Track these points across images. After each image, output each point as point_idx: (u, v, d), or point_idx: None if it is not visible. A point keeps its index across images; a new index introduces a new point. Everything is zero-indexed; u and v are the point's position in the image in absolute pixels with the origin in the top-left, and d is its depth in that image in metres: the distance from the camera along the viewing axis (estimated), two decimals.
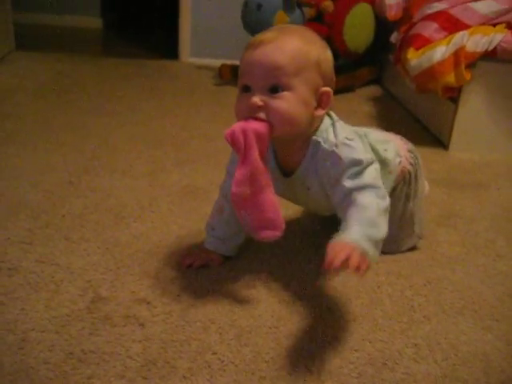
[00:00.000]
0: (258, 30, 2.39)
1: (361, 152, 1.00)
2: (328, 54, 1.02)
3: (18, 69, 2.70)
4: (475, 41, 1.80)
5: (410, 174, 1.20)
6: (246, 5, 2.44)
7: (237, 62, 2.68)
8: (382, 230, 0.93)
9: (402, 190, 1.21)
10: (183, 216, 1.36)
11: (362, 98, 2.62)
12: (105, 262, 1.14)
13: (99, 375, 0.86)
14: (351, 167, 0.99)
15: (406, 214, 1.23)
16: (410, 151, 1.23)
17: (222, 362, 0.90)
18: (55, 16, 4.00)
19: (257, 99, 0.95)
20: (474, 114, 1.93)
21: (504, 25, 1.86)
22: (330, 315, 1.03)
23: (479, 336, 1.01)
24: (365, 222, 0.92)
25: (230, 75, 2.64)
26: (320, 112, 1.00)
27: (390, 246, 1.15)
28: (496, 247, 1.34)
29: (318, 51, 0.99)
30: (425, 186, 1.33)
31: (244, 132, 0.94)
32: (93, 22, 4.09)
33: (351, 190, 0.97)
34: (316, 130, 1.03)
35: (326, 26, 2.49)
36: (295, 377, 0.88)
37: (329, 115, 1.06)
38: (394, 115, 2.39)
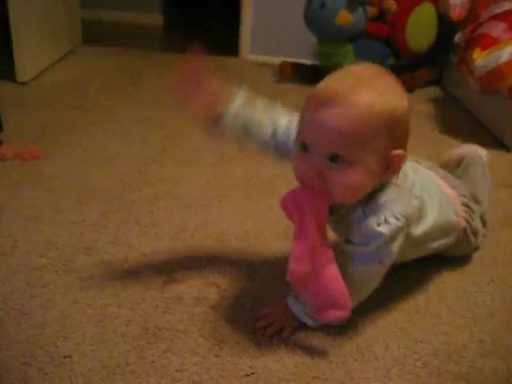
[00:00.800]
0: (320, 29, 2.43)
1: (391, 240, 0.90)
2: (404, 110, 0.85)
3: (84, 62, 2.80)
4: None
5: (465, 230, 1.14)
6: (309, 2, 2.46)
7: (298, 60, 2.72)
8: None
9: (459, 247, 1.17)
10: (249, 206, 1.39)
11: (421, 99, 2.60)
12: (175, 246, 1.19)
13: (173, 350, 0.90)
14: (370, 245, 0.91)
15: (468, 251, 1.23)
16: (464, 204, 1.14)
17: (293, 345, 0.94)
18: (119, 13, 4.11)
19: (312, 170, 0.84)
20: None
21: None
22: (394, 307, 1.05)
23: None
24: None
25: (290, 72, 2.67)
26: (389, 176, 0.89)
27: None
28: None
29: (393, 109, 0.83)
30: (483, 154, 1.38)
31: (299, 207, 0.87)
32: (154, 18, 4.18)
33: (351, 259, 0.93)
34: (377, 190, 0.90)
35: (388, 25, 2.49)
36: (362, 363, 0.91)
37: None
38: (454, 116, 2.37)
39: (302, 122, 0.87)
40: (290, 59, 2.76)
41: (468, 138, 2.05)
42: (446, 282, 1.14)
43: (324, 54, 2.50)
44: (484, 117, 2.25)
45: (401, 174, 0.92)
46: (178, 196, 1.42)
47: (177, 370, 0.87)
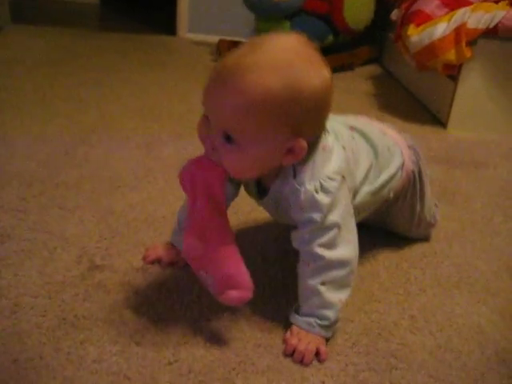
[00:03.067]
0: (258, 6, 2.37)
1: (325, 209, 0.84)
2: (313, 91, 0.76)
3: (13, 42, 2.66)
4: (477, 18, 1.78)
5: (413, 174, 1.07)
6: None
7: (235, 38, 2.67)
8: (336, 308, 0.88)
9: (407, 192, 1.09)
10: (179, 188, 1.34)
11: (361, 77, 2.60)
12: (99, 230, 1.13)
13: (92, 340, 0.85)
14: (309, 224, 0.85)
15: (414, 217, 1.14)
16: (410, 147, 1.08)
17: (219, 330, 0.90)
18: None
19: (209, 143, 0.80)
20: (473, 93, 1.92)
21: (506, 1, 1.83)
22: None
23: (474, 309, 1.01)
24: (319, 305, 0.87)
25: (227, 51, 2.61)
26: (290, 161, 0.82)
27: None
28: (493, 224, 1.33)
29: (297, 91, 0.75)
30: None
31: (193, 183, 0.83)
32: None
33: (302, 243, 0.87)
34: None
35: (326, 2, 2.46)
36: (282, 349, 0.88)
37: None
38: (393, 94, 2.37)
39: (203, 94, 0.79)
40: (228, 37, 2.71)
41: (406, 114, 2.07)
42: (379, 259, 1.13)
43: (262, 31, 2.44)
44: (421, 94, 2.26)
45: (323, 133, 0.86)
46: (105, 178, 1.36)
47: (94, 361, 0.81)
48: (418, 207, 1.12)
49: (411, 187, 1.09)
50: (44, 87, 2.02)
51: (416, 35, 1.88)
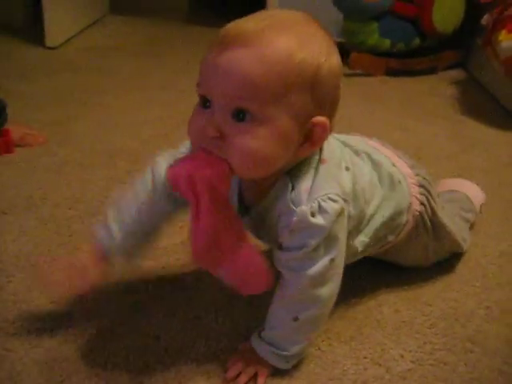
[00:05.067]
0: (346, 6, 2.43)
1: (319, 238, 0.73)
2: (332, 70, 0.69)
3: (112, 31, 2.84)
4: None
5: (421, 216, 0.94)
6: None
7: None
8: (301, 345, 0.81)
9: (416, 237, 0.96)
10: None
11: (445, 81, 2.59)
12: None
13: None
14: (299, 249, 0.74)
15: (427, 256, 1.03)
16: (420, 185, 0.94)
17: None
18: None
19: (212, 130, 0.66)
20: None
21: None
22: (404, 275, 1.07)
23: None
24: (284, 337, 0.81)
25: None
26: (307, 150, 0.71)
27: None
28: None
29: (319, 64, 0.67)
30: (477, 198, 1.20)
31: (192, 181, 0.67)
32: None
33: (287, 268, 0.77)
34: (295, 166, 0.74)
35: (414, 5, 2.49)
36: (371, 320, 0.95)
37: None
38: (477, 99, 2.37)
39: (202, 70, 0.69)
40: None
41: (490, 120, 2.07)
42: (458, 255, 1.16)
43: (349, 31, 2.51)
44: (507, 100, 2.25)
45: (325, 145, 0.76)
46: None
47: None
48: (432, 246, 1.01)
49: (421, 229, 0.96)
50: (142, 75, 2.16)
51: (508, 41, 1.88)
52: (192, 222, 0.70)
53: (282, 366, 0.82)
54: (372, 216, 0.86)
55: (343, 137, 0.88)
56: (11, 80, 1.93)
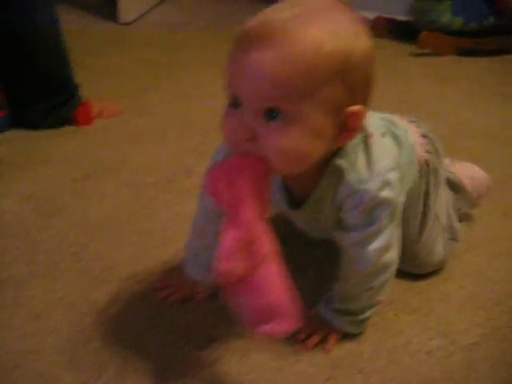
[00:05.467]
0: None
1: (392, 211, 0.76)
2: (364, 54, 0.66)
3: (181, 7, 2.89)
4: None
5: (427, 164, 0.90)
6: None
7: (392, 15, 2.69)
8: (372, 310, 0.84)
9: (418, 186, 0.90)
10: None
11: None
12: None
13: None
14: (369, 227, 0.75)
15: (427, 216, 0.93)
16: (423, 136, 0.92)
17: None
18: None
19: (244, 132, 0.64)
20: None
21: None
22: (471, 251, 1.07)
23: None
24: (358, 306, 0.83)
25: (383, 27, 2.65)
26: (344, 139, 0.69)
27: (414, 261, 0.96)
28: None
29: (349, 51, 0.63)
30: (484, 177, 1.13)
31: (231, 185, 0.64)
32: None
33: (358, 246, 0.77)
34: (339, 148, 0.73)
35: None
36: (439, 293, 0.97)
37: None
38: None
39: (229, 70, 0.66)
40: (384, 14, 2.74)
41: None
42: None
43: (420, 9, 2.47)
44: None
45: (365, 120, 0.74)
46: None
47: None
48: (432, 204, 0.93)
49: (423, 181, 0.91)
50: (211, 49, 2.20)
51: None
52: (226, 233, 0.64)
53: (354, 330, 0.86)
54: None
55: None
56: (87, 55, 2.01)
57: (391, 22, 2.66)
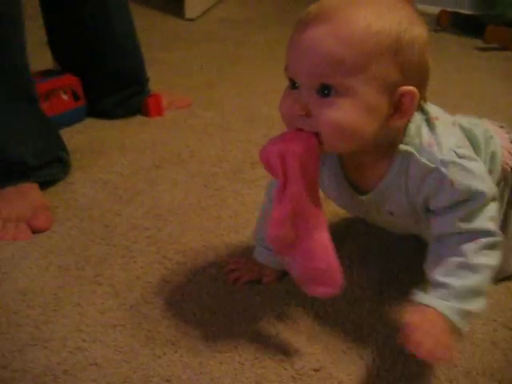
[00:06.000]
0: None
1: (482, 178, 0.73)
2: (416, 34, 0.68)
3: (244, 3, 2.94)
4: None
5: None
6: None
7: (457, 9, 2.65)
8: (482, 300, 0.73)
9: (502, 194, 0.87)
10: None
11: None
12: None
13: None
14: (467, 202, 0.72)
15: (509, 226, 0.90)
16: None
17: None
18: None
19: (298, 108, 0.68)
20: None
21: None
22: None
23: None
24: (464, 290, 0.71)
25: (448, 22, 2.62)
26: (398, 120, 0.70)
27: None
28: None
29: (400, 31, 0.66)
30: None
31: (282, 157, 0.68)
32: None
33: (458, 236, 0.73)
34: (401, 134, 0.74)
35: None
36: (494, 288, 0.97)
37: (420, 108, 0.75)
38: None
39: (287, 52, 0.71)
40: (449, 9, 2.71)
41: None
42: None
43: (486, 3, 2.43)
44: None
45: (428, 106, 0.76)
46: None
47: None
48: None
49: (507, 189, 0.89)
50: (273, 45, 2.23)
51: None
52: (276, 201, 0.71)
53: (461, 323, 0.71)
54: None
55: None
56: (155, 50, 2.08)
57: (456, 15, 2.62)
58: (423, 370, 0.80)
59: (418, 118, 0.74)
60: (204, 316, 0.88)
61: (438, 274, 0.73)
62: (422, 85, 0.70)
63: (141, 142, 1.42)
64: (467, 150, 0.74)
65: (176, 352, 0.82)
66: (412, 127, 0.73)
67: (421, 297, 0.72)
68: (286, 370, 0.79)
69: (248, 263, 0.95)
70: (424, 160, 0.72)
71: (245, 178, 1.25)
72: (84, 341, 0.83)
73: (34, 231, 1.06)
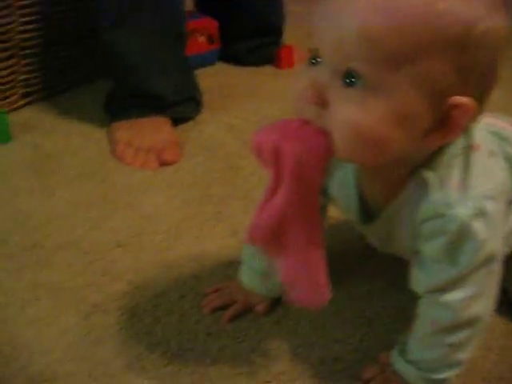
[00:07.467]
0: None
1: (497, 238, 0.57)
2: (495, 25, 0.49)
3: None
4: None
5: None
6: None
7: None
8: (450, 365, 0.62)
9: None
10: None
11: None
12: None
13: None
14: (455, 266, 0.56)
15: None
16: None
17: None
18: None
19: (312, 91, 0.50)
20: None
21: None
22: None
23: None
24: (434, 363, 0.62)
25: None
26: (438, 139, 0.52)
27: None
28: None
29: (473, 16, 0.47)
30: None
31: (277, 153, 0.52)
32: None
33: (434, 292, 0.59)
34: (431, 157, 0.56)
35: None
36: None
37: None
38: None
39: (317, 8, 0.52)
40: None
41: None
42: None
43: None
44: None
45: (474, 127, 0.57)
46: None
47: None
48: None
49: None
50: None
51: None
52: (265, 195, 0.56)
53: None
54: None
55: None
56: (291, 2, 2.05)
57: None
58: None
59: (457, 141, 0.55)
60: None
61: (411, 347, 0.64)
62: (481, 97, 0.52)
63: (270, 91, 1.42)
64: (495, 205, 0.55)
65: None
66: (446, 153, 0.55)
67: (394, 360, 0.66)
68: None
69: (232, 289, 0.79)
70: (436, 201, 0.55)
71: None
72: (201, 271, 0.85)
73: (162, 163, 1.10)
